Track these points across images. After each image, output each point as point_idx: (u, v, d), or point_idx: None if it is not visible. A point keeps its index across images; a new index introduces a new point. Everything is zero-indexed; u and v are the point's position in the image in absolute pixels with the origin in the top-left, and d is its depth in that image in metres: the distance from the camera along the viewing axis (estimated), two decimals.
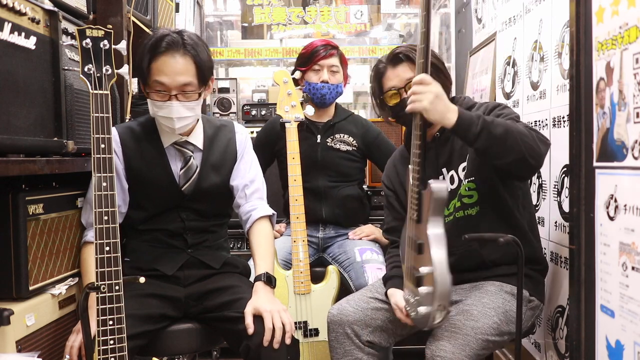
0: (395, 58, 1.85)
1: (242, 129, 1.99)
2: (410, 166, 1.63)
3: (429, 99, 1.52)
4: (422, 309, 1.51)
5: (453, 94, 2.12)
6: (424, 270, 1.50)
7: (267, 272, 1.78)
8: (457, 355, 1.53)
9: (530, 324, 1.83)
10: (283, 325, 1.63)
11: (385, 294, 1.81)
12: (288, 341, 1.63)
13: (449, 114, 1.54)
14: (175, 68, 1.70)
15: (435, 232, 1.52)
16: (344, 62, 2.56)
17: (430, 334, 1.63)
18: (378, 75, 1.90)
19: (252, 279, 1.96)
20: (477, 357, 1.59)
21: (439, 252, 1.49)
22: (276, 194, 2.66)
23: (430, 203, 1.52)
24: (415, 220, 1.59)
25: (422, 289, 1.51)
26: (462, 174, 1.81)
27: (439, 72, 1.79)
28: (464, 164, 1.80)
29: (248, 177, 1.93)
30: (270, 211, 1.93)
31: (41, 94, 1.50)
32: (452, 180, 1.82)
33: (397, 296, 1.74)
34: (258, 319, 1.65)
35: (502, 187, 1.77)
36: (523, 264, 1.58)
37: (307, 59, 2.49)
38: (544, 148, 1.61)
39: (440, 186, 1.53)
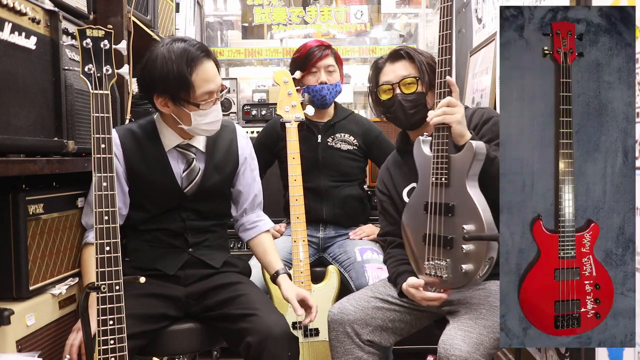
0: (396, 54, 1.90)
1: (243, 131, 2.00)
2: (425, 139, 1.72)
3: (460, 114, 1.62)
4: (466, 267, 1.59)
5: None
6: (468, 227, 1.58)
7: (285, 268, 1.94)
8: (472, 354, 1.53)
9: None
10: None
11: (400, 292, 1.79)
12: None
13: (466, 133, 1.65)
14: (214, 72, 1.72)
15: (475, 189, 1.62)
16: (339, 60, 2.53)
17: (443, 332, 1.63)
18: (376, 71, 1.94)
19: (252, 278, 1.99)
20: (489, 356, 1.59)
21: (482, 201, 1.59)
22: (276, 194, 2.66)
23: (471, 161, 1.60)
24: (440, 185, 1.65)
25: (467, 246, 1.59)
26: None
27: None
28: None
29: (256, 187, 2.01)
30: (272, 224, 2.07)
31: (41, 94, 1.50)
32: None
33: (416, 282, 1.72)
34: (260, 318, 1.66)
35: None
36: None
37: (303, 62, 2.45)
38: None
39: (479, 143, 1.61)
